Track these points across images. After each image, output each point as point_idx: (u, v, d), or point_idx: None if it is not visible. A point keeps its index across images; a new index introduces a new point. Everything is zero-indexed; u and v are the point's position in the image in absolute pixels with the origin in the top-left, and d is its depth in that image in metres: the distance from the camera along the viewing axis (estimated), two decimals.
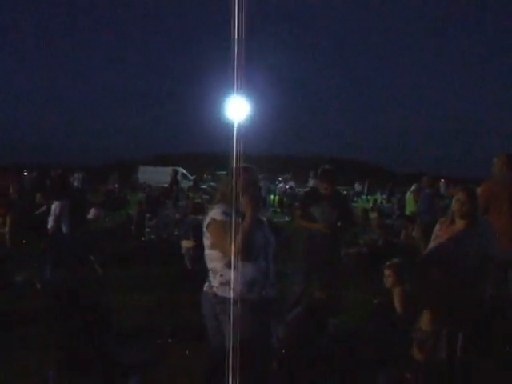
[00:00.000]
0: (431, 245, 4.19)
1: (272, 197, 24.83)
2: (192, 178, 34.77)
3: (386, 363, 4.06)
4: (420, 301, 4.17)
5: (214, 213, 3.29)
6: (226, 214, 3.22)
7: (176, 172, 16.84)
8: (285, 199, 22.46)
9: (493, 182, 5.70)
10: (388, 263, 4.90)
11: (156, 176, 33.17)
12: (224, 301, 3.17)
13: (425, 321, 3.93)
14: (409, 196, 12.79)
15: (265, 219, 3.70)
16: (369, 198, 31.57)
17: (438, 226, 4.29)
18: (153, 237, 11.83)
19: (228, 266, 3.14)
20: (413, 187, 12.46)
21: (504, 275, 5.57)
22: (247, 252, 3.15)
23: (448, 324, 3.87)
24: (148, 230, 12.09)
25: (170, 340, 4.94)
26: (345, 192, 24.24)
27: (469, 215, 4.00)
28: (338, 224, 5.70)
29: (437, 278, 3.87)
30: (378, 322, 4.61)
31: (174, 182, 16.49)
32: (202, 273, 3.51)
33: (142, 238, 11.80)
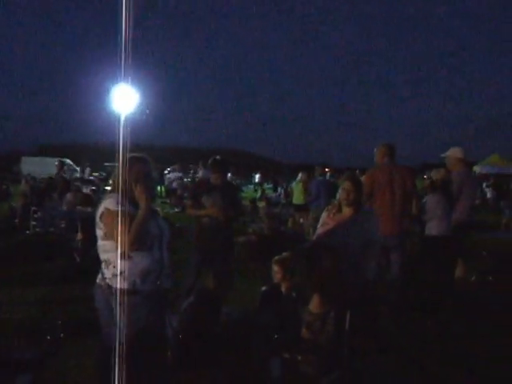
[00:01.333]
0: (318, 231, 4.33)
1: (160, 188, 24.54)
2: (79, 169, 33.49)
3: (278, 348, 4.13)
4: (309, 286, 4.28)
5: (108, 202, 3.18)
6: (120, 203, 3.13)
7: (62, 163, 16.09)
8: (178, 190, 22.22)
9: (375, 171, 5.99)
10: (276, 258, 4.84)
11: (40, 167, 31.66)
12: (117, 292, 3.09)
13: (314, 304, 4.04)
14: (296, 185, 13.09)
15: (158, 209, 3.64)
16: (257, 188, 32.05)
17: (325, 214, 4.42)
18: (38, 230, 11.37)
19: (121, 256, 3.05)
20: (299, 176, 12.77)
21: (387, 258, 5.92)
22: (141, 242, 3.09)
23: (335, 306, 4.02)
24: (33, 223, 11.55)
25: (61, 335, 4.71)
26: (234, 182, 24.42)
27: (354, 203, 4.18)
28: (230, 213, 5.74)
29: (324, 263, 4.00)
30: (268, 307, 4.66)
31: (60, 173, 15.78)
32: (92, 265, 3.40)
33: (27, 232, 11.31)
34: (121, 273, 3.08)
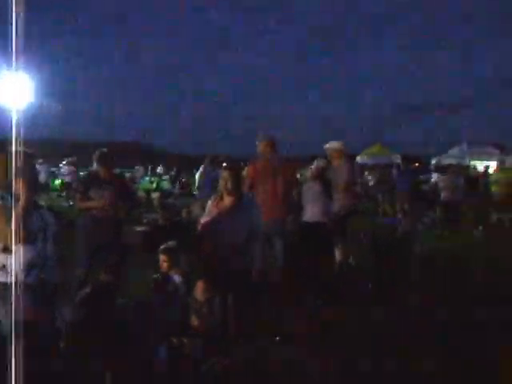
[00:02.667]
0: (203, 220, 4.48)
1: (55, 181, 23.63)
2: None
3: (166, 333, 4.21)
4: (195, 273, 4.42)
5: None
6: (2, 197, 3.10)
7: None
8: (73, 184, 21.46)
9: (258, 161, 6.25)
10: (162, 248, 4.91)
11: None
12: (1, 286, 3.06)
13: (198, 291, 4.19)
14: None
15: (43, 203, 3.61)
16: (153, 179, 31.67)
17: (210, 202, 4.58)
18: None
19: (3, 250, 3.03)
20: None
21: (269, 244, 6.18)
22: (24, 235, 3.07)
23: (219, 292, 4.19)
24: None
25: None
26: (129, 174, 24.00)
27: (234, 192, 4.35)
28: (119, 205, 5.76)
29: (206, 251, 4.16)
30: (157, 295, 4.74)
31: None
32: None
33: None
34: (3, 266, 3.05)
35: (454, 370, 4.16)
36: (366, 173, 24.94)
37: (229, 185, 4.30)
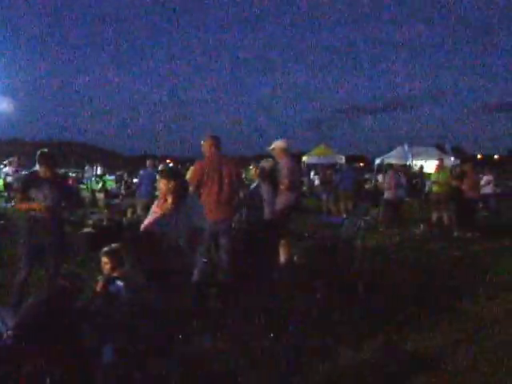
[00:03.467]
0: (146, 221, 4.42)
1: None
2: None
3: (110, 336, 4.13)
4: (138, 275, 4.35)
5: None
6: None
7: None
8: (14, 184, 20.79)
9: (203, 161, 6.22)
10: (103, 250, 4.83)
11: None
12: None
13: (140, 292, 4.12)
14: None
15: None
16: (98, 180, 31.11)
17: (155, 203, 4.55)
18: None
19: None
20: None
21: (215, 243, 6.18)
22: None
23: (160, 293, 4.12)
24: None
25: None
26: (73, 174, 23.47)
27: (174, 192, 4.32)
28: (62, 205, 5.65)
29: (148, 251, 4.10)
30: (101, 297, 4.64)
31: None
32: None
33: None
34: None
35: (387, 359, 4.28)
36: (312, 172, 25.27)
37: (167, 186, 4.30)
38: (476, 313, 5.64)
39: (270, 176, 7.03)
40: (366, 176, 25.70)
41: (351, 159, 41.81)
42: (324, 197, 16.17)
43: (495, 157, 67.13)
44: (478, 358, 4.36)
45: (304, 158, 27.77)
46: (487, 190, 15.90)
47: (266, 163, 7.30)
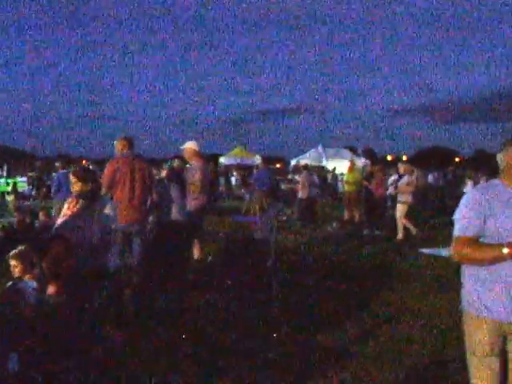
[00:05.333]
0: (57, 222, 4.33)
1: None
2: None
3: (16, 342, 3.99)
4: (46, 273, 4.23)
5: None
6: None
7: None
8: None
9: (115, 162, 6.13)
10: (11, 253, 4.69)
11: None
12: None
13: (51, 293, 4.02)
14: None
15: None
16: (9, 181, 29.68)
17: (65, 205, 4.45)
18: None
19: None
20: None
21: (129, 244, 6.10)
22: None
23: (72, 293, 4.05)
24: None
25: None
26: None
27: (83, 193, 4.27)
28: None
29: (56, 252, 4.01)
30: (8, 302, 4.47)
31: None
32: None
33: None
34: None
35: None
36: (231, 173, 25.49)
37: (75, 187, 4.24)
38: (383, 303, 5.95)
39: (178, 176, 7.04)
40: (289, 177, 26.26)
41: (268, 160, 42.27)
42: (247, 197, 16.35)
43: (404, 158, 70.56)
44: (387, 346, 4.61)
45: (221, 159, 27.98)
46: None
47: (173, 163, 7.32)
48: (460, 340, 2.92)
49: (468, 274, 2.67)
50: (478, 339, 2.61)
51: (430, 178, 20.50)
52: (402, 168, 11.89)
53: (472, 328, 2.66)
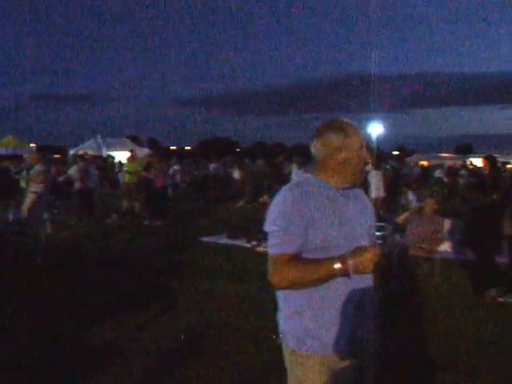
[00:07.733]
0: None
1: None
2: None
3: None
4: None
5: None
6: None
7: None
8: None
9: None
10: None
11: None
12: None
13: None
14: None
15: None
16: None
17: None
18: None
19: None
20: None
21: None
22: None
23: None
24: None
25: None
26: None
27: None
28: None
29: None
30: None
31: None
32: None
33: None
34: None
35: None
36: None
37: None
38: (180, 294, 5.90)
39: None
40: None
41: (46, 149, 39.83)
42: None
43: (186, 148, 72.32)
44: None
45: None
46: (175, 179, 16.84)
47: None
48: None
49: (291, 301, 1.97)
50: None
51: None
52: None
53: (302, 370, 1.97)
